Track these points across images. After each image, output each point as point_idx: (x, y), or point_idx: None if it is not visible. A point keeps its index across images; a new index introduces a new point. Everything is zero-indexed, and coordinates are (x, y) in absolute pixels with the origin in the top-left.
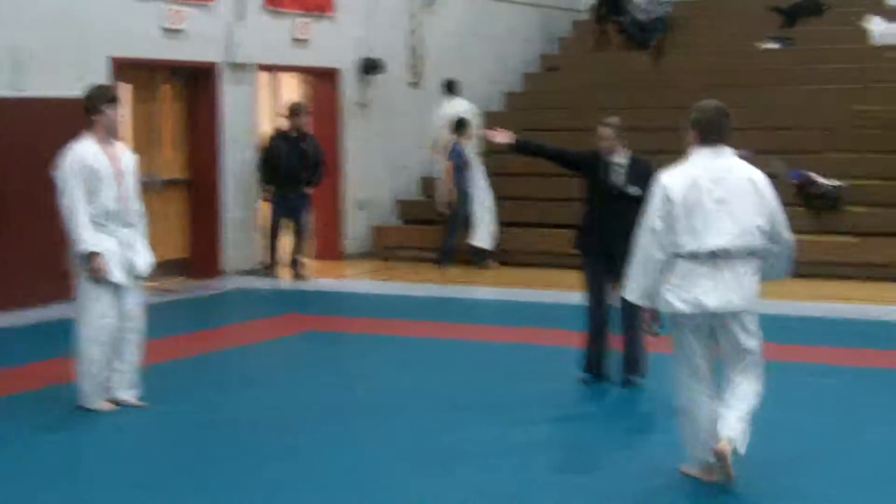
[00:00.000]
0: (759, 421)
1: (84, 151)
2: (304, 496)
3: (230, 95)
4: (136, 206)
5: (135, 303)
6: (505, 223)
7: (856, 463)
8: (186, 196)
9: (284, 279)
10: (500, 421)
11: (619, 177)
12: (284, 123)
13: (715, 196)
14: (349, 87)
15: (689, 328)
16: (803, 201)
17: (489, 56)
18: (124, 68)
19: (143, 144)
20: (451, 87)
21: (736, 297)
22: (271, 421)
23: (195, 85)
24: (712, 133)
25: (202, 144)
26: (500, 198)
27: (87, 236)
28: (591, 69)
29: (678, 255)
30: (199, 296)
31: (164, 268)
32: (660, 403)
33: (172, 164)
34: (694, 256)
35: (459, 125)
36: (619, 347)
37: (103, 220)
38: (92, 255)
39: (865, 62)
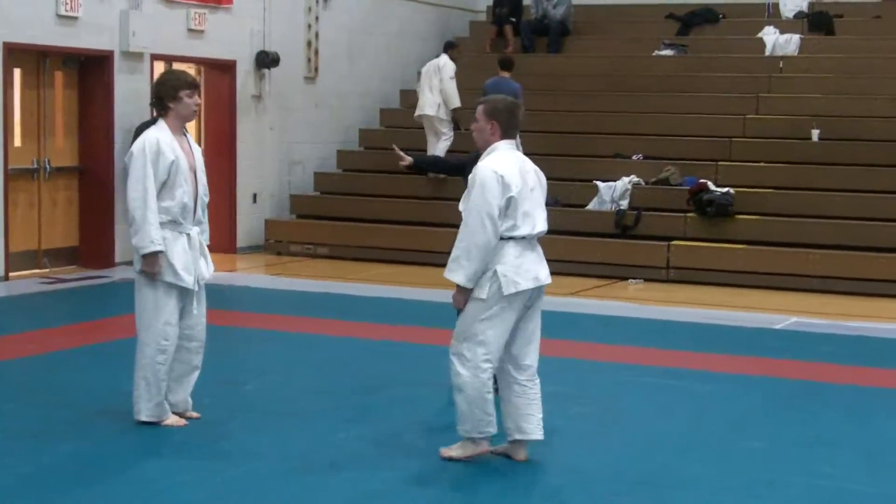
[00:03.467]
0: (637, 426)
1: (161, 140)
2: (189, 493)
3: (123, 84)
4: (205, 201)
5: (199, 308)
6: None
7: (728, 470)
8: (77, 184)
9: None
10: (374, 424)
11: None
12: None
13: (530, 185)
14: (244, 79)
15: (519, 306)
16: (696, 208)
17: (384, 53)
18: (16, 54)
19: (34, 131)
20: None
21: (547, 272)
22: None
23: (88, 73)
24: (513, 127)
25: (94, 133)
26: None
27: (155, 234)
28: (487, 70)
29: (510, 238)
30: (88, 285)
31: (52, 256)
32: None
33: (63, 152)
34: (523, 238)
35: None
36: None
37: (180, 218)
38: (153, 255)
39: (760, 72)
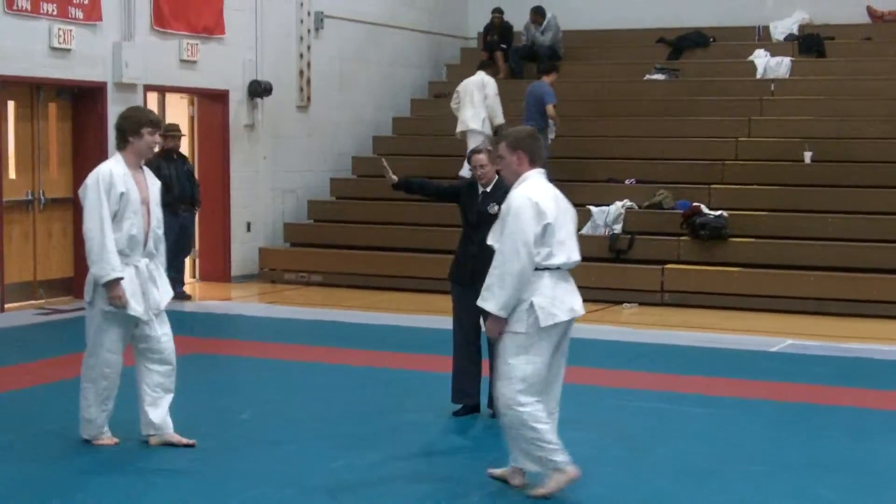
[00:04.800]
0: (634, 451)
1: (114, 172)
2: None
3: (117, 115)
4: (159, 235)
5: (162, 333)
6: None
7: (727, 494)
8: (72, 215)
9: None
10: (370, 451)
11: (487, 203)
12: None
13: (564, 214)
14: (237, 109)
15: (556, 337)
16: (689, 231)
17: (376, 81)
18: (10, 86)
19: (28, 163)
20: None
21: (580, 302)
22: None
23: (82, 104)
24: (539, 156)
25: (89, 164)
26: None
27: (115, 261)
28: None
29: (546, 269)
30: (83, 316)
31: (48, 287)
32: None
33: (58, 183)
34: (557, 268)
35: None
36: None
37: (126, 249)
38: (114, 282)
39: (751, 95)
